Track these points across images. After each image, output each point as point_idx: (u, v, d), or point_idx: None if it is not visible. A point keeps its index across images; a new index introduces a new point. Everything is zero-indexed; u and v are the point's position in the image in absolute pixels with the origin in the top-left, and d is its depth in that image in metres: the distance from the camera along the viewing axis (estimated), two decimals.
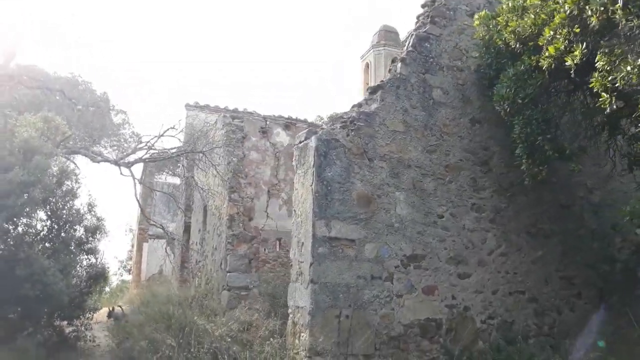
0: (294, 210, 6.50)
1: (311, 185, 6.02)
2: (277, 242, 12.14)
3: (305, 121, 18.68)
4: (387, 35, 41.70)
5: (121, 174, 10.72)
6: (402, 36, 43.44)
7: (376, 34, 42.46)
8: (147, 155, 9.82)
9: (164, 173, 35.38)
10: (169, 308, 9.76)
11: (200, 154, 9.89)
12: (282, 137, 17.71)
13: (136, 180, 9.64)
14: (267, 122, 13.70)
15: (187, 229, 14.23)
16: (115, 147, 18.37)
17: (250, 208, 9.65)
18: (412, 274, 6.33)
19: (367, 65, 40.62)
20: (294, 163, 6.72)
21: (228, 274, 9.05)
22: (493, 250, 6.96)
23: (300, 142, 6.51)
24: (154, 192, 32.21)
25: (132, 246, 41.56)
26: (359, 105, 6.75)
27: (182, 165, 14.50)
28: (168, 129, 9.99)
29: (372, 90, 6.73)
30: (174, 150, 10.69)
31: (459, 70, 7.24)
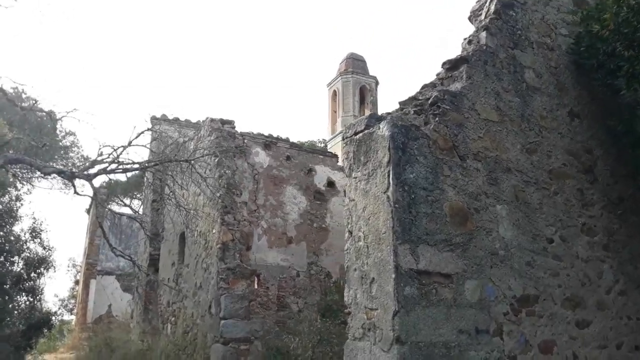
0: (349, 232, 4.43)
1: (386, 192, 3.99)
2: (256, 279, 9.95)
3: (287, 140, 16.64)
4: (355, 63, 40.69)
5: (75, 192, 8.34)
6: (370, 64, 42.02)
7: (343, 61, 41.41)
8: (114, 167, 7.50)
9: (115, 203, 32.26)
10: None
11: (183, 165, 7.65)
12: (261, 157, 15.57)
13: (98, 197, 7.29)
14: (245, 140, 11.64)
15: (152, 263, 11.72)
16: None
17: (249, 234, 7.48)
18: (525, 324, 4.35)
19: (335, 93, 39.32)
20: (343, 162, 4.69)
21: (222, 321, 6.77)
22: (611, 287, 5.10)
23: (358, 132, 4.49)
24: (104, 223, 29.12)
25: (76, 283, 37.67)
26: (433, 85, 4.85)
27: (149, 183, 12.09)
28: (140, 134, 7.76)
29: (452, 65, 4.85)
30: (141, 161, 8.39)
31: (550, 49, 5.51)
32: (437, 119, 4.36)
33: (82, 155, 18.79)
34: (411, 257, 3.87)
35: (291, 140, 16.65)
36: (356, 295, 4.17)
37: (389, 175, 4.01)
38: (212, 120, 8.49)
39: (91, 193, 7.81)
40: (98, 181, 10.94)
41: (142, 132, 7.91)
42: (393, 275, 3.77)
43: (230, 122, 8.51)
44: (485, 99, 4.74)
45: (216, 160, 7.98)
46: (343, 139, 4.74)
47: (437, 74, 5.00)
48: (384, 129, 4.16)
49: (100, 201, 7.21)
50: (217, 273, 7.25)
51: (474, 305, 4.08)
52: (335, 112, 38.24)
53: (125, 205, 33.01)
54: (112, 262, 28.69)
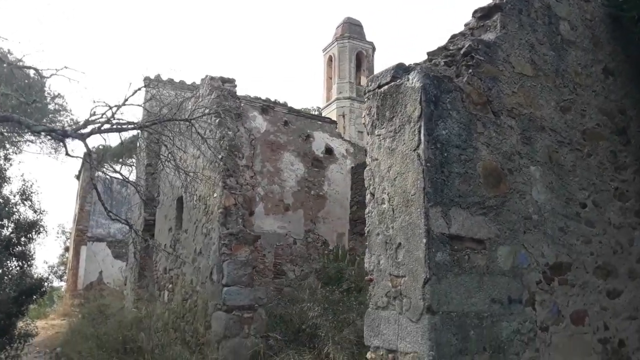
0: (370, 194, 4.08)
1: (416, 150, 3.62)
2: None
3: (285, 105, 16.15)
4: (352, 28, 39.69)
5: (67, 154, 7.89)
6: (367, 30, 41.31)
7: (339, 26, 40.33)
8: (109, 126, 7.03)
9: (106, 169, 31.61)
10: (133, 333, 7.05)
11: (182, 125, 7.20)
12: (258, 122, 15.11)
13: (92, 158, 6.86)
14: (242, 104, 11.16)
15: (147, 228, 11.36)
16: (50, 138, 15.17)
17: (252, 198, 7.12)
18: (558, 293, 4.08)
19: (330, 59, 38.46)
20: (364, 120, 4.30)
21: (225, 288, 6.46)
22: None
23: (382, 85, 4.08)
24: (94, 188, 28.59)
25: (66, 250, 37.41)
26: (463, 35, 4.44)
27: (143, 147, 11.62)
28: (136, 92, 7.28)
29: (485, 13, 4.42)
30: (136, 121, 7.92)
31: (585, 0, 5.09)
32: (470, 70, 3.97)
33: (71, 119, 18.12)
34: (443, 220, 3.54)
35: (289, 105, 16.18)
36: (379, 261, 3.84)
37: (419, 132, 3.64)
38: (212, 78, 8.01)
39: (82, 154, 7.36)
40: (91, 142, 10.47)
41: (139, 89, 7.45)
42: (424, 240, 3.44)
43: (231, 81, 8.03)
44: (519, 51, 4.35)
45: (217, 120, 7.53)
46: (364, 93, 4.33)
47: (466, 24, 4.57)
48: (414, 80, 3.76)
49: (94, 161, 6.78)
50: (219, 238, 6.91)
51: (507, 273, 3.78)
52: (331, 78, 37.53)
53: (116, 171, 32.48)
54: (103, 228, 28.34)
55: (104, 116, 7.43)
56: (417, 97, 3.69)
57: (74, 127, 7.42)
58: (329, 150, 16.64)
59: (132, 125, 7.13)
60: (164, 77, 13.80)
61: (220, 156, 7.17)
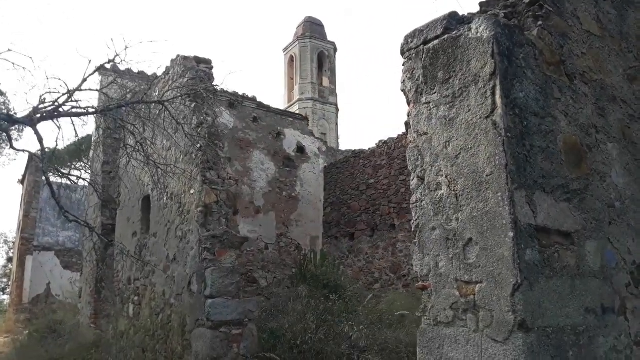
0: (418, 178, 3.21)
1: (490, 117, 2.79)
2: None
3: (254, 100, 15.15)
4: (313, 27, 38.94)
5: (11, 147, 6.69)
6: (329, 30, 40.84)
7: (300, 25, 39.53)
8: (66, 109, 5.88)
9: (51, 173, 29.37)
10: (94, 357, 5.98)
11: (151, 110, 6.11)
12: (225, 117, 14.07)
13: (43, 147, 5.69)
14: None
15: (105, 233, 10.07)
16: None
17: (236, 195, 6.14)
18: None
19: (292, 58, 37.56)
20: (402, 86, 3.43)
21: (209, 300, 5.43)
22: None
23: (429, 40, 3.22)
24: (40, 193, 26.48)
25: (9, 260, 34.83)
26: None
27: (98, 142, 10.34)
28: (94, 72, 6.17)
29: None
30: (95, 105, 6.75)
31: None
32: (540, 22, 3.17)
33: (10, 108, 16.45)
34: (528, 208, 2.71)
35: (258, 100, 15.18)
36: (437, 263, 2.97)
37: (493, 93, 2.80)
38: (185, 58, 6.96)
39: (29, 147, 6.14)
40: (43, 131, 9.14)
41: (98, 69, 6.32)
42: (510, 234, 2.59)
43: (207, 62, 7.00)
44: (585, 5, 3.60)
45: (193, 105, 6.50)
46: (402, 53, 3.46)
47: None
48: (481, 30, 2.92)
49: (46, 155, 5.63)
50: (199, 242, 5.87)
51: (597, 275, 2.99)
52: (292, 79, 36.61)
53: (64, 175, 30.28)
54: (51, 236, 26.32)
55: (56, 103, 6.26)
56: (487, 50, 2.85)
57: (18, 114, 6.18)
58: (300, 149, 15.74)
59: (93, 110, 5.99)
60: (122, 67, 12.52)
61: (198, 145, 6.13)
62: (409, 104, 3.40)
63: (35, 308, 20.66)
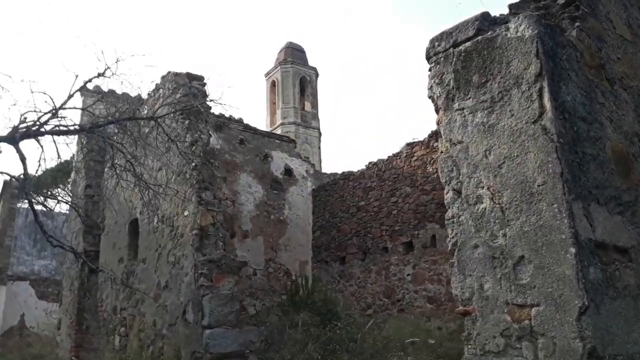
0: (454, 191, 2.92)
1: (538, 122, 2.53)
2: None
3: (240, 121, 14.83)
4: (294, 52, 39.14)
5: None
6: (309, 55, 40.92)
7: (282, 50, 39.71)
8: (50, 127, 5.49)
9: (24, 200, 28.29)
10: None
11: (146, 125, 5.76)
12: (212, 139, 13.71)
13: (26, 167, 5.28)
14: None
15: (89, 260, 9.51)
16: None
17: (233, 217, 5.78)
18: None
19: (274, 83, 37.57)
20: (429, 93, 3.17)
21: (207, 331, 5.00)
22: None
23: (460, 42, 2.98)
24: (15, 220, 25.51)
25: None
26: None
27: (81, 164, 9.87)
28: (85, 84, 5.82)
29: None
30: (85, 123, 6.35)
31: None
32: (577, 24, 2.97)
33: None
34: (586, 221, 2.45)
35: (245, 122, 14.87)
36: (482, 285, 2.67)
37: (540, 96, 2.55)
38: (176, 74, 6.65)
39: (5, 169, 5.71)
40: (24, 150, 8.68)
41: (87, 83, 5.95)
42: (572, 250, 2.31)
43: (200, 78, 6.70)
44: (616, 9, 3.43)
45: (186, 122, 6.16)
46: (428, 58, 3.22)
47: None
48: (521, 29, 2.70)
49: (27, 180, 5.22)
50: (194, 267, 5.46)
51: None
52: (275, 103, 36.44)
53: (39, 202, 29.21)
54: (26, 265, 25.31)
55: (39, 122, 5.86)
56: (531, 50, 2.62)
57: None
58: (288, 171, 15.39)
59: (79, 127, 5.61)
60: (112, 81, 12.16)
61: (193, 164, 5.77)
62: (437, 111, 3.14)
63: (9, 341, 19.63)
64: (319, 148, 35.32)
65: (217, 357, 4.93)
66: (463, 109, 2.92)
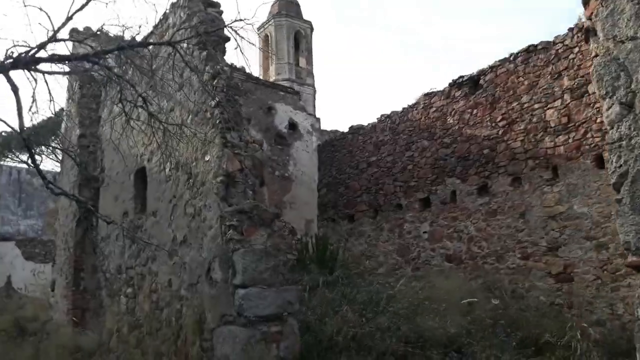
0: (620, 104, 2.16)
1: None
2: None
3: (242, 70, 13.86)
4: (288, 5, 37.51)
5: None
6: (304, 9, 38.99)
7: (275, 3, 38.02)
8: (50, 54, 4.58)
9: (10, 158, 26.98)
10: None
11: (166, 50, 4.87)
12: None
13: (19, 98, 4.40)
14: None
15: (85, 216, 8.71)
16: None
17: (262, 162, 5.00)
18: None
19: (267, 37, 36.10)
20: None
21: (240, 290, 4.29)
22: None
23: None
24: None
25: None
26: None
27: (73, 108, 8.92)
28: (75, 13, 4.87)
29: None
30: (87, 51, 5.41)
31: None
32: None
33: None
34: None
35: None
36: None
37: None
38: (190, 0, 5.70)
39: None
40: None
41: (82, 8, 5.00)
42: None
43: (216, 5, 5.74)
44: None
45: (204, 53, 5.28)
46: None
47: None
48: None
49: (21, 110, 4.35)
50: (220, 219, 4.71)
51: None
52: (268, 58, 35.11)
53: (22, 161, 27.86)
54: (11, 225, 24.44)
55: (33, 49, 4.93)
56: None
57: None
58: (292, 126, 14.54)
59: (80, 55, 4.71)
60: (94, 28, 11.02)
61: (215, 101, 4.94)
62: (587, 1, 2.35)
63: None
64: (314, 106, 34.24)
65: (253, 320, 4.24)
66: None
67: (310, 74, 35.20)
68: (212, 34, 5.23)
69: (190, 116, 5.46)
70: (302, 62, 34.80)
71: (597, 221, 7.81)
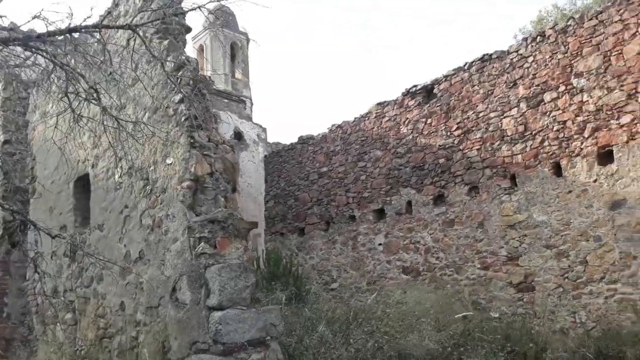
0: None
1: None
2: None
3: None
4: (224, 16, 36.96)
5: None
6: (240, 20, 38.85)
7: (210, 13, 37.18)
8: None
9: None
10: None
11: (116, 41, 4.18)
12: None
13: None
14: None
15: (10, 232, 7.62)
16: None
17: (234, 165, 4.42)
18: None
19: (202, 48, 35.29)
20: None
21: (216, 313, 3.67)
22: None
23: None
24: None
25: None
26: None
27: None
28: None
29: None
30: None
31: None
32: None
33: None
34: None
35: None
36: None
37: None
38: None
39: None
40: None
41: None
42: None
43: None
44: None
45: (165, 43, 4.64)
46: None
47: None
48: None
49: None
50: (188, 231, 4.07)
51: None
52: (203, 68, 33.95)
53: None
54: None
55: None
56: None
57: None
58: (238, 135, 13.87)
59: (21, 37, 3.95)
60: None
61: (179, 96, 4.31)
62: None
63: None
64: (251, 118, 33.58)
65: (232, 348, 3.63)
66: None
67: (247, 85, 34.52)
68: (175, 23, 4.61)
69: (146, 114, 4.77)
70: (238, 74, 34.12)
71: (557, 229, 7.83)
